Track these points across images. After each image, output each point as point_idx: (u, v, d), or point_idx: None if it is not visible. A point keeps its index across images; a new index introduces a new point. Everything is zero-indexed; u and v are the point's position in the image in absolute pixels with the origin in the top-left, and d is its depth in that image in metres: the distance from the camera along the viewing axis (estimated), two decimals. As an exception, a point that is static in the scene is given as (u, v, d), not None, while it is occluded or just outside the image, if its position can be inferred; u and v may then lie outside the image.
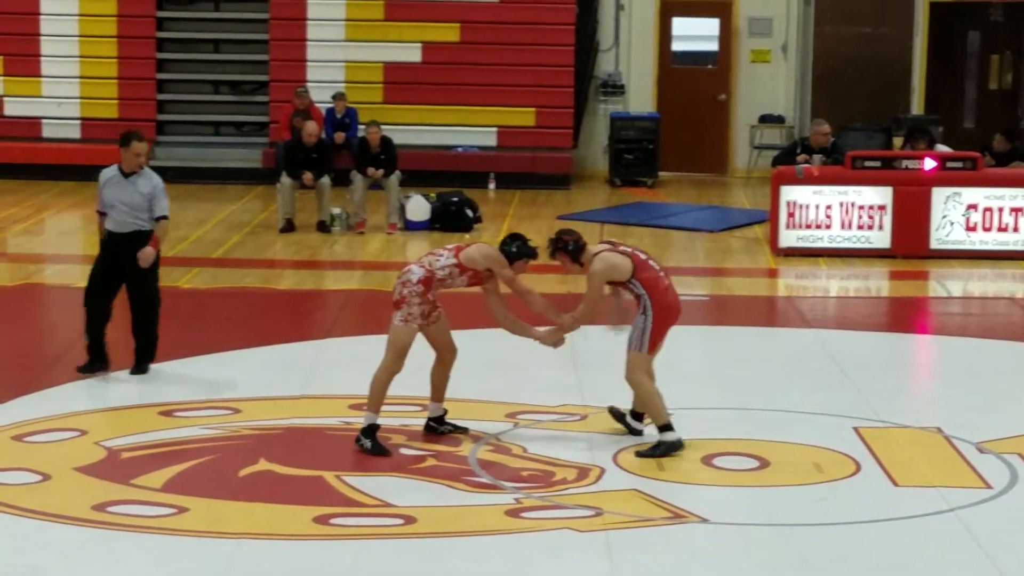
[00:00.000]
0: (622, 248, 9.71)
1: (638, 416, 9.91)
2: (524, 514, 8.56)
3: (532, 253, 9.66)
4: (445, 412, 9.99)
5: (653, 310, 9.51)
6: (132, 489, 8.85)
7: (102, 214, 11.43)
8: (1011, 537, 8.26)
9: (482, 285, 9.69)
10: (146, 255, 11.20)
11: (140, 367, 11.50)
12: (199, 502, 8.65)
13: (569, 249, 9.55)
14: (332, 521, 8.40)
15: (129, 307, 11.48)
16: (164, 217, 11.34)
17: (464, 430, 9.98)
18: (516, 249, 9.59)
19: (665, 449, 9.53)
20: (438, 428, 9.97)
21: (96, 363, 11.40)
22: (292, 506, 8.63)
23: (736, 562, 7.94)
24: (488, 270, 9.60)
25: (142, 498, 8.70)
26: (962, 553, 8.03)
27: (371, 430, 9.61)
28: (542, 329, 9.87)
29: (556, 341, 9.88)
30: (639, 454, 9.56)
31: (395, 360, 9.60)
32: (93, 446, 9.64)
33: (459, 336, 9.93)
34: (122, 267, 11.30)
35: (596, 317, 9.74)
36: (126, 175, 11.29)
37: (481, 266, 9.56)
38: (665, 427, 9.58)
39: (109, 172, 11.41)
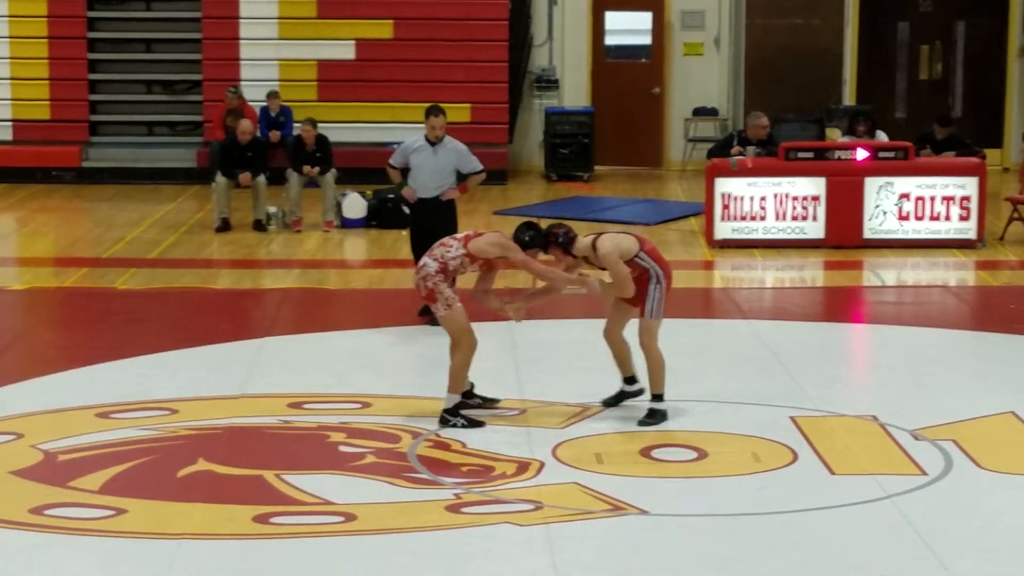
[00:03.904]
0: (616, 231, 10.43)
1: (630, 379, 10.38)
2: (464, 509, 8.58)
3: (543, 245, 9.98)
4: (472, 385, 10.24)
5: (665, 279, 10.19)
6: (70, 492, 8.80)
7: (392, 167, 12.94)
8: (946, 523, 8.35)
9: (495, 269, 9.99)
10: (449, 192, 12.87)
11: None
12: (138, 503, 8.61)
13: (560, 242, 10.01)
14: (272, 520, 8.38)
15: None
16: (479, 172, 12.93)
17: (495, 401, 10.27)
18: (529, 239, 9.91)
19: (659, 418, 10.12)
20: (469, 403, 10.21)
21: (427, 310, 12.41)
22: (232, 506, 8.61)
23: (676, 553, 7.98)
24: (501, 258, 9.85)
25: (80, 500, 8.65)
26: (899, 539, 8.10)
27: (456, 409, 9.87)
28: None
29: (583, 287, 10.20)
30: (640, 423, 10.06)
31: (468, 342, 9.83)
32: (29, 449, 9.56)
33: (395, 334, 9.94)
34: (426, 226, 12.55)
35: (626, 288, 10.05)
36: (431, 144, 12.82)
37: (492, 255, 9.81)
38: (661, 397, 10.21)
39: (416, 140, 12.95)
